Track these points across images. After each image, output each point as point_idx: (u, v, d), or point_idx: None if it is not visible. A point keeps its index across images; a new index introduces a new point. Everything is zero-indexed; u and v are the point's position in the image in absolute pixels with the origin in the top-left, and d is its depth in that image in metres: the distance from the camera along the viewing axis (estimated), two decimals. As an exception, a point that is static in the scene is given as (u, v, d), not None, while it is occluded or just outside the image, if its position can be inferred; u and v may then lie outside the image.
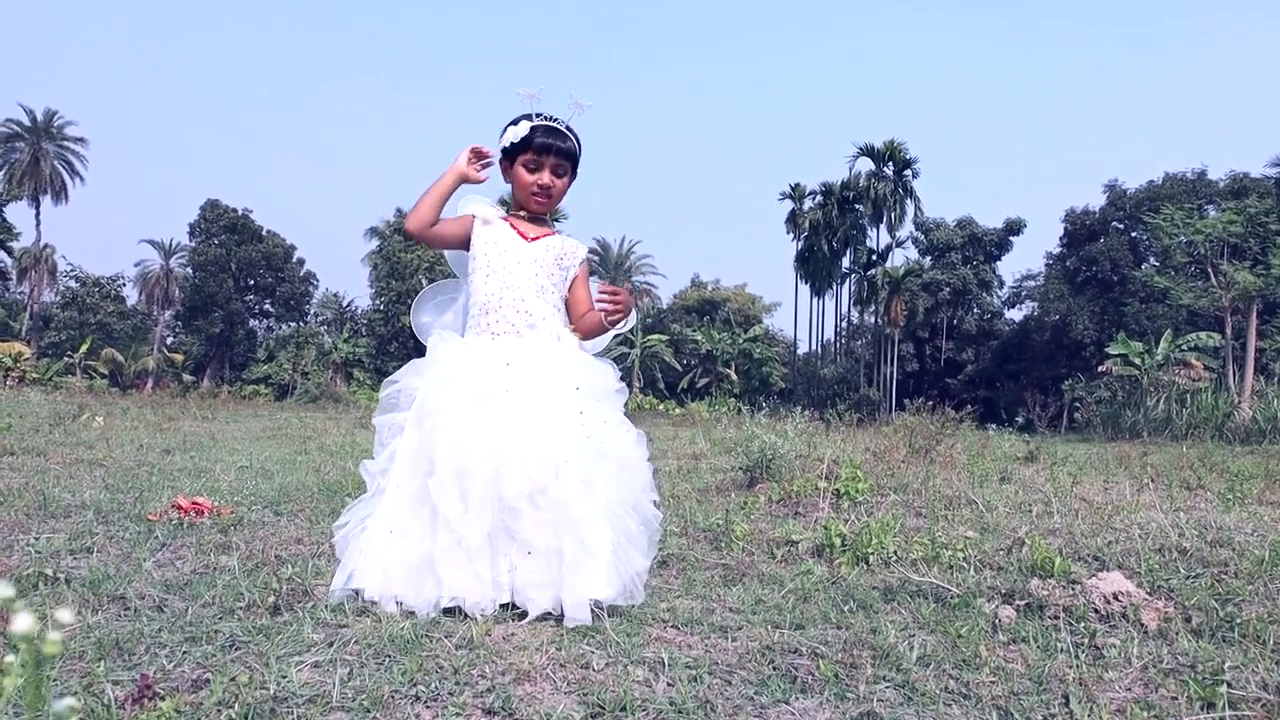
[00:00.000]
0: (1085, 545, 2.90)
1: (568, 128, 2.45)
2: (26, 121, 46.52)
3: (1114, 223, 45.50)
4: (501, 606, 2.11)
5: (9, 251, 48.05)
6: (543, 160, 2.40)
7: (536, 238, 2.45)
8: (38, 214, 47.17)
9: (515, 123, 2.42)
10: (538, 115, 2.44)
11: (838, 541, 2.81)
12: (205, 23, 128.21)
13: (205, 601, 2.09)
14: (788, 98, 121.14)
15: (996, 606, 2.11)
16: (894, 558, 2.70)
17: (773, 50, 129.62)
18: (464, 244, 2.48)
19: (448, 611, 2.08)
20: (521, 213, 2.49)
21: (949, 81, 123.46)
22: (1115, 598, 2.07)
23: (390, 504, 2.19)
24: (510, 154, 2.44)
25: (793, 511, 3.74)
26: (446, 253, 2.62)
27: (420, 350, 2.48)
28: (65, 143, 47.95)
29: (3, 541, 2.72)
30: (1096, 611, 2.04)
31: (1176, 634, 1.93)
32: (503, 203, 2.62)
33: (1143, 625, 1.97)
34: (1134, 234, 44.08)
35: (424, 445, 2.20)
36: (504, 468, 2.12)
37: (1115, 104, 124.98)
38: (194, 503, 3.43)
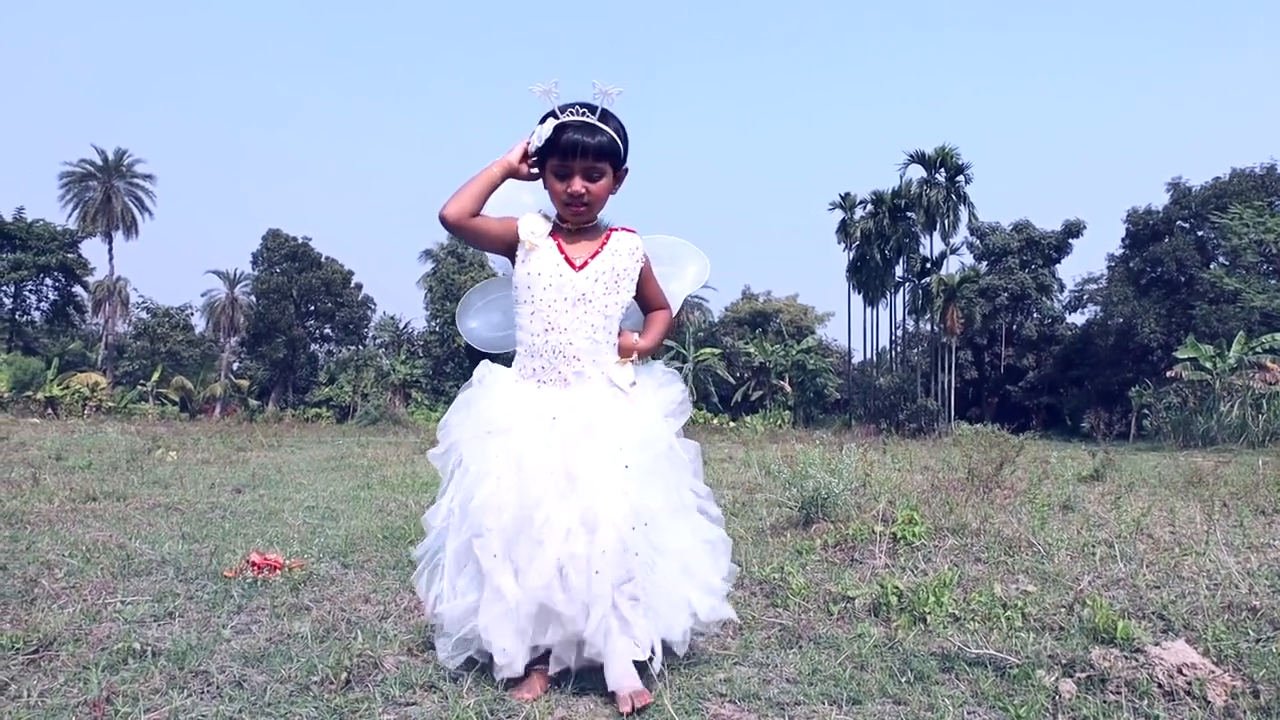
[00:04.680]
0: (1150, 600, 2.85)
1: (602, 119, 2.15)
2: (99, 161, 48.73)
3: (1179, 222, 44.16)
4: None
5: (85, 285, 50.30)
6: (571, 164, 2.14)
7: (585, 263, 2.21)
8: (110, 249, 49.43)
9: (542, 122, 2.16)
10: (565, 109, 2.15)
11: (894, 599, 2.81)
12: (258, 61, 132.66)
13: (281, 677, 2.19)
14: (837, 107, 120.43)
15: (1057, 679, 2.09)
16: (951, 618, 2.69)
17: (821, 60, 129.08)
18: (501, 250, 2.28)
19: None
20: (566, 225, 2.25)
21: (1001, 83, 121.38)
22: (1180, 671, 2.04)
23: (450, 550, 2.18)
24: (540, 160, 2.20)
25: (849, 558, 3.73)
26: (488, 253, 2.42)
27: (476, 359, 2.37)
28: (135, 180, 50.12)
29: (92, 606, 2.87)
30: (1160, 686, 2.02)
31: (1244, 712, 1.90)
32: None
33: (1208, 703, 1.94)
34: (1200, 233, 42.73)
35: (466, 503, 2.13)
36: (546, 547, 2.04)
37: (1177, 99, 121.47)
38: (266, 559, 3.57)
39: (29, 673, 2.19)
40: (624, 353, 2.26)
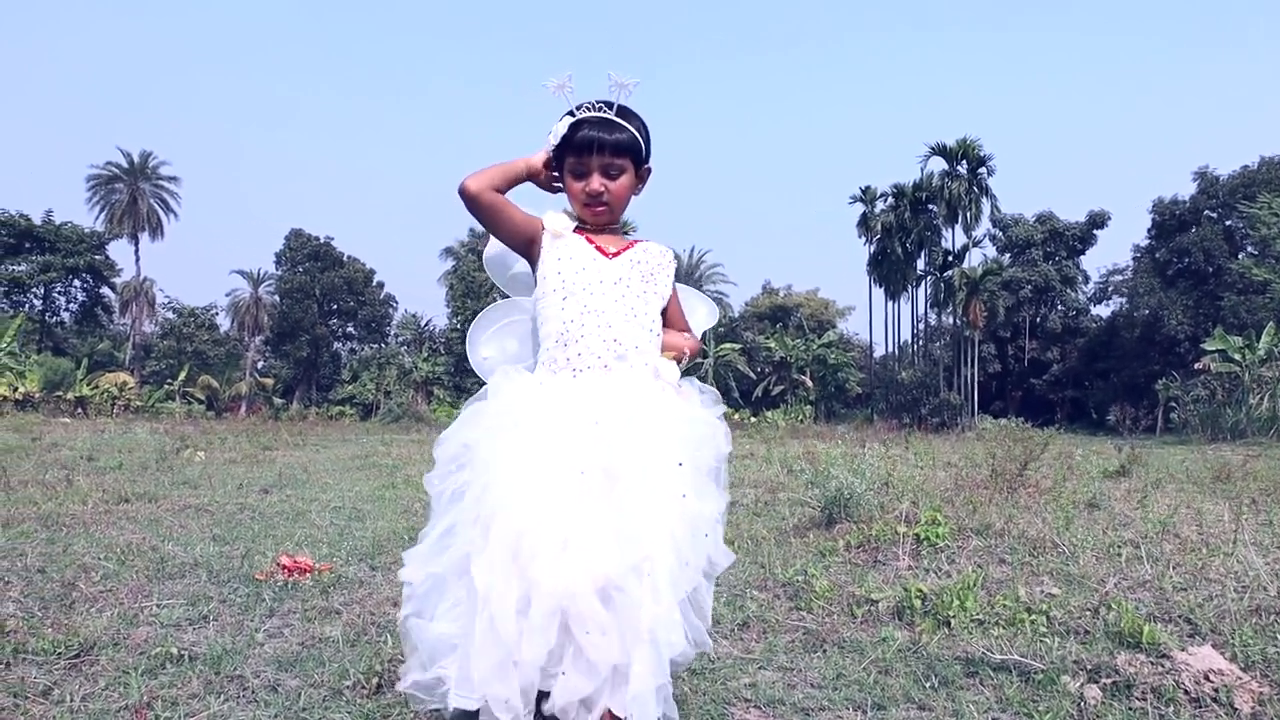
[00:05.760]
0: (1176, 603, 2.83)
1: (620, 114, 2.01)
2: (125, 164, 49.39)
3: (1206, 212, 43.49)
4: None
5: (112, 286, 51.09)
6: (588, 161, 2.00)
7: (618, 252, 2.07)
8: (137, 250, 50.18)
9: (560, 120, 2.03)
10: (582, 107, 2.02)
11: (918, 602, 2.81)
12: (275, 64, 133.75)
13: (314, 682, 2.24)
14: (845, 105, 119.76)
15: (1082, 685, 2.10)
16: (976, 622, 2.69)
17: (841, 54, 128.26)
18: (520, 243, 2.10)
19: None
20: (589, 226, 2.09)
21: (1021, 76, 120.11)
22: (1206, 677, 2.04)
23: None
24: (558, 160, 2.06)
25: (872, 560, 3.74)
26: (491, 260, 2.25)
27: None
28: (160, 182, 50.81)
29: (129, 610, 2.94)
30: (1186, 693, 2.02)
31: (1271, 720, 1.90)
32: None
33: (1235, 709, 1.94)
34: (1228, 223, 42.08)
35: (478, 515, 1.72)
36: (576, 556, 1.65)
37: (1202, 88, 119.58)
38: (295, 562, 3.63)
39: (71, 677, 2.26)
40: (670, 349, 2.08)
